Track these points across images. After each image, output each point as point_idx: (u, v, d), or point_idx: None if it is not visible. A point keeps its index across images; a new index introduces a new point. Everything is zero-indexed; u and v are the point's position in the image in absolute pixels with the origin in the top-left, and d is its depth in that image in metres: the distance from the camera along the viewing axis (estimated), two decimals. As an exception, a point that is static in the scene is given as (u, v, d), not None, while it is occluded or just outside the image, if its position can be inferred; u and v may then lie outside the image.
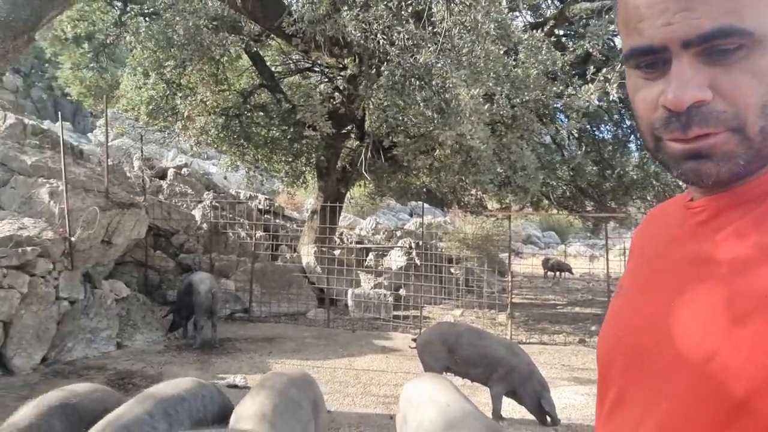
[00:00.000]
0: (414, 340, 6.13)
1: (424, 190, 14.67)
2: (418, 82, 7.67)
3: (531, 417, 5.26)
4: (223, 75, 10.49)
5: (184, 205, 12.70)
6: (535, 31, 7.79)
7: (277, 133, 11.39)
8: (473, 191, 13.59)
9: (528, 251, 27.25)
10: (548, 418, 5.13)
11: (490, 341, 5.56)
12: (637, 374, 0.72)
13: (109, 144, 9.89)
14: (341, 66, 9.45)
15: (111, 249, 8.11)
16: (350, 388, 6.41)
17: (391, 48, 7.16)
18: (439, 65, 7.09)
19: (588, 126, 11.95)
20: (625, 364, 0.74)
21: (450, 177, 9.80)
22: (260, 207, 15.01)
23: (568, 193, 13.87)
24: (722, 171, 0.66)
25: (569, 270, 20.35)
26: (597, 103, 7.89)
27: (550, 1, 12.20)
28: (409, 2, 7.25)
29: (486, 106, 6.90)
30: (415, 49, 7.10)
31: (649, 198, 12.34)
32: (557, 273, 20.69)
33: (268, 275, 11.02)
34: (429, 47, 6.78)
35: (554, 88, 7.88)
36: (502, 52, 7.06)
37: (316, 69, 12.71)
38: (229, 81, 10.94)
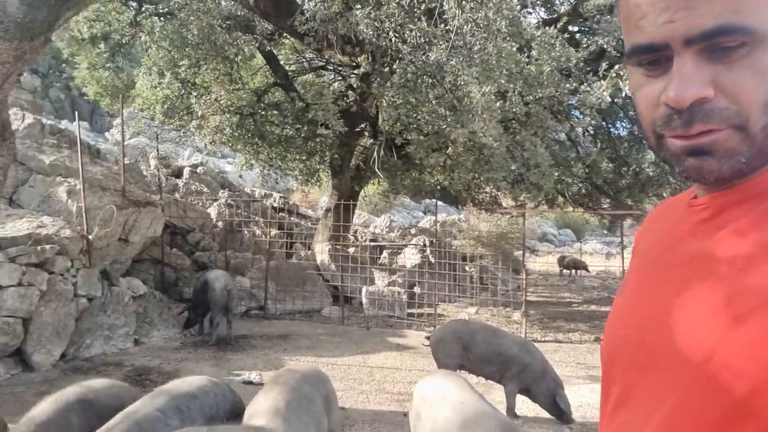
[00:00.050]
0: (428, 337, 6.14)
1: (438, 187, 14.63)
2: (430, 80, 7.66)
3: (545, 415, 5.25)
4: (237, 74, 10.55)
5: (200, 204, 12.80)
6: (548, 27, 7.74)
7: (291, 132, 11.43)
8: (487, 189, 13.54)
9: (543, 249, 27.10)
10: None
11: (504, 339, 5.55)
12: (640, 373, 0.72)
13: (125, 143, 10.00)
14: (354, 64, 9.46)
15: (128, 247, 8.20)
16: (364, 386, 6.43)
17: (403, 46, 7.16)
18: (452, 63, 7.08)
19: (603, 123, 11.86)
20: (628, 362, 0.74)
21: (463, 175, 9.77)
22: (275, 205, 15.09)
23: (583, 191, 13.77)
24: (724, 168, 0.66)
25: (585, 268, 20.21)
26: (609, 99, 7.83)
27: (563, -3, 12.10)
28: (421, 0, 7.24)
29: (498, 104, 6.87)
30: (427, 47, 7.08)
31: (665, 195, 12.20)
32: (573, 271, 20.56)
33: (282, 273, 11.08)
34: (441, 45, 6.76)
35: (568, 85, 7.83)
36: (514, 49, 7.02)
37: (330, 67, 12.74)
38: (243, 80, 11.01)
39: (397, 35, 7.19)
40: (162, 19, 10.01)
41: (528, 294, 10.14)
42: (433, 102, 7.52)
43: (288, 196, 17.91)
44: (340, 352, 7.88)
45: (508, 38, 6.83)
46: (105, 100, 12.34)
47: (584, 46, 8.56)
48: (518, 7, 7.29)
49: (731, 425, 0.59)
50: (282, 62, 12.10)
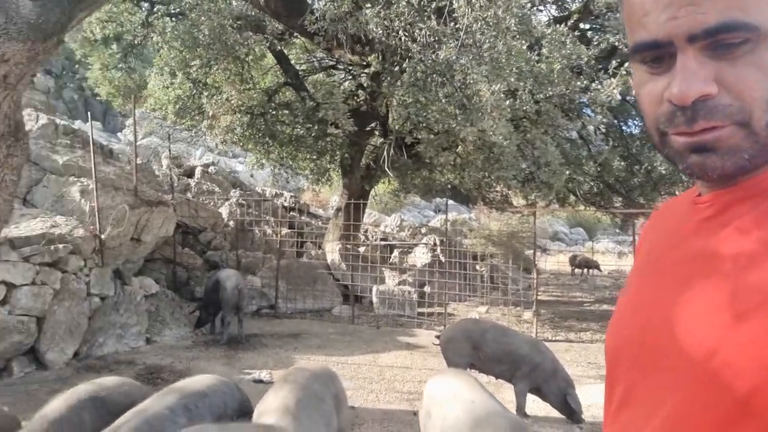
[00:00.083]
0: (438, 336, 6.13)
1: (449, 186, 14.61)
2: (439, 79, 7.65)
3: (555, 414, 5.23)
4: (248, 74, 10.59)
5: (212, 203, 12.87)
6: (558, 25, 7.69)
7: (302, 131, 11.46)
8: (498, 187, 13.49)
9: (555, 248, 26.97)
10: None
11: (515, 338, 5.53)
12: (642, 372, 0.71)
13: (137, 143, 10.07)
14: (365, 63, 9.46)
15: (140, 246, 8.26)
16: (374, 384, 6.44)
17: (412, 45, 7.15)
18: (462, 61, 7.06)
19: (615, 121, 11.78)
20: (630, 362, 0.74)
21: (473, 173, 9.75)
22: (286, 204, 15.14)
23: (595, 189, 13.68)
24: (727, 165, 0.66)
25: (597, 267, 20.10)
26: (619, 97, 7.78)
27: (574, -5, 12.03)
28: (431, -1, 7.24)
29: (508, 102, 6.84)
30: (436, 46, 7.07)
31: (677, 193, 12.05)
32: (585, 270, 20.44)
33: (293, 272, 11.11)
34: (450, 43, 6.75)
35: (578, 83, 7.78)
36: (524, 47, 6.99)
37: (340, 67, 12.76)
38: (254, 80, 11.04)
39: (406, 34, 7.19)
40: (173, 19, 10.06)
41: (539, 293, 10.11)
42: (443, 101, 7.51)
43: (299, 196, 17.96)
44: (350, 351, 7.89)
45: (517, 36, 6.80)
46: (117, 100, 12.43)
47: (595, 43, 8.51)
48: (528, 5, 7.27)
49: (732, 425, 0.59)
50: (293, 62, 12.13)
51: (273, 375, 6.38)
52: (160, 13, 10.06)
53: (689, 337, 0.65)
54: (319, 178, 13.44)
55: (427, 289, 11.88)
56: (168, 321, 8.25)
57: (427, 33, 6.99)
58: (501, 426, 3.02)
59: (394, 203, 20.08)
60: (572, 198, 14.31)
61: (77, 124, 15.39)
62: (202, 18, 8.54)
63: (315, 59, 13.19)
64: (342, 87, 11.86)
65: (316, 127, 10.89)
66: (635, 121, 13.20)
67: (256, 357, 7.33)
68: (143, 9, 10.32)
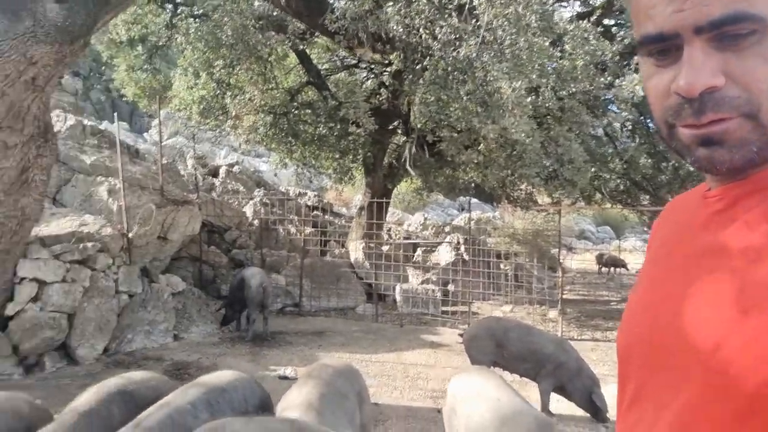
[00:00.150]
0: (461, 335, 6.11)
1: (473, 185, 14.54)
2: (460, 76, 7.61)
3: (580, 413, 5.18)
4: (270, 74, 10.66)
5: (236, 202, 13.00)
6: (582, 21, 7.60)
7: (324, 131, 11.51)
8: (522, 186, 13.38)
9: (581, 246, 26.68)
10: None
11: (539, 337, 5.50)
12: (652, 370, 0.71)
13: (163, 143, 10.22)
14: (386, 62, 9.44)
15: (167, 245, 8.38)
16: (398, 382, 6.44)
17: (433, 42, 7.13)
18: (483, 59, 7.02)
19: (641, 117, 11.58)
20: (641, 359, 0.74)
21: (496, 171, 9.69)
22: (309, 203, 15.23)
23: (621, 187, 13.46)
24: (735, 158, 0.65)
25: (624, 265, 19.81)
26: (641, 93, 7.66)
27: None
28: (452, -5, 7.21)
29: (529, 99, 6.78)
30: (457, 43, 7.04)
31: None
32: (611, 269, 20.17)
33: (317, 270, 11.16)
34: (471, 41, 6.71)
35: (602, 79, 7.68)
36: (547, 43, 6.91)
37: (362, 65, 12.78)
38: (276, 79, 11.12)
39: (427, 32, 7.17)
40: (197, 20, 10.17)
41: (565, 292, 9.99)
42: (464, 98, 7.47)
43: (322, 195, 18.05)
44: (374, 349, 7.90)
45: (538, 33, 6.74)
46: (143, 101, 12.60)
47: (619, 39, 8.38)
48: (550, 1, 7.19)
49: (741, 422, 0.58)
50: (315, 61, 12.18)
51: (298, 372, 6.42)
52: (183, 15, 10.18)
53: (697, 334, 0.64)
54: (342, 177, 13.48)
55: (450, 287, 11.83)
56: (195, 318, 8.35)
57: (448, 30, 6.97)
58: (527, 424, 3.00)
59: (417, 202, 20.06)
60: (598, 196, 14.11)
61: (104, 124, 15.67)
62: (225, 19, 8.62)
63: (337, 58, 13.24)
64: (364, 86, 11.87)
65: (338, 126, 10.92)
66: (662, 117, 12.92)
67: (281, 354, 7.38)
68: (167, 10, 10.45)
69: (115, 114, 9.11)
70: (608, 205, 15.62)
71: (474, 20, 6.91)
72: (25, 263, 6.13)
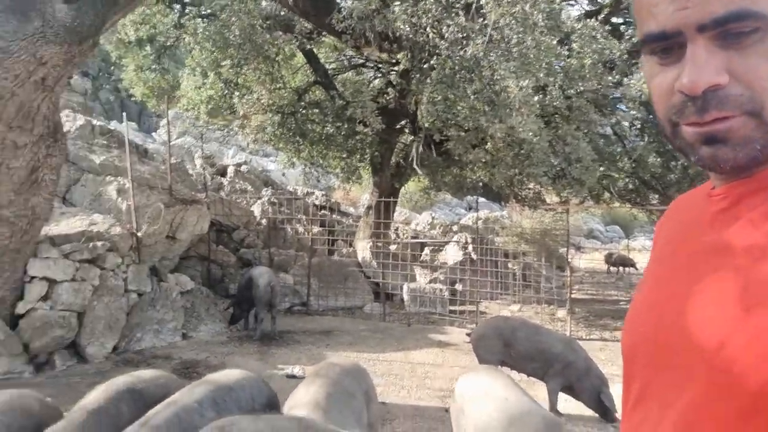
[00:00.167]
0: (469, 334, 6.10)
1: (481, 184, 14.49)
2: (467, 75, 7.60)
3: (588, 413, 5.16)
4: (278, 73, 10.68)
5: (244, 202, 13.04)
6: (590, 19, 7.57)
7: (332, 130, 11.52)
8: (530, 185, 13.34)
9: (590, 246, 26.55)
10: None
11: (547, 336, 5.48)
12: (657, 369, 0.71)
13: (171, 143, 10.27)
14: (394, 61, 9.44)
15: (175, 244, 8.43)
16: (406, 381, 6.45)
17: (440, 41, 7.12)
18: (490, 57, 7.00)
19: (650, 116, 11.52)
20: (646, 358, 0.74)
21: (503, 170, 9.67)
22: (317, 203, 15.26)
23: (630, 186, 13.40)
24: (739, 156, 0.65)
25: (633, 265, 19.71)
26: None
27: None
28: (459, -6, 7.19)
29: (536, 98, 6.76)
30: (464, 42, 7.03)
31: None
32: (620, 268, 20.07)
33: (325, 269, 11.18)
34: (478, 39, 6.70)
35: (610, 78, 7.64)
36: (555, 42, 6.89)
37: (369, 65, 12.78)
38: (284, 79, 11.13)
39: (434, 31, 7.16)
40: (205, 20, 10.20)
41: (573, 291, 9.96)
42: (472, 97, 7.45)
43: (330, 194, 18.07)
44: (381, 348, 7.91)
45: (545, 32, 6.71)
46: (151, 101, 12.64)
47: (627, 37, 8.33)
48: (558, 0, 7.16)
49: (743, 422, 0.58)
50: (322, 60, 12.19)
51: (305, 370, 6.44)
52: (191, 15, 10.20)
53: (701, 332, 0.64)
54: (350, 176, 13.49)
55: (458, 286, 11.82)
56: (203, 317, 8.39)
57: (455, 29, 6.95)
58: (535, 424, 2.99)
59: (425, 201, 20.05)
60: (607, 195, 14.05)
61: (113, 124, 15.74)
62: (233, 18, 8.64)
63: (344, 57, 13.25)
64: (371, 85, 11.88)
65: (345, 126, 10.93)
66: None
67: (289, 353, 7.40)
68: (175, 11, 10.48)
69: (124, 114, 9.16)
70: (617, 204, 15.56)
71: (481, 19, 6.90)
72: (35, 262, 6.18)
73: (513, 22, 6.46)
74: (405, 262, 11.64)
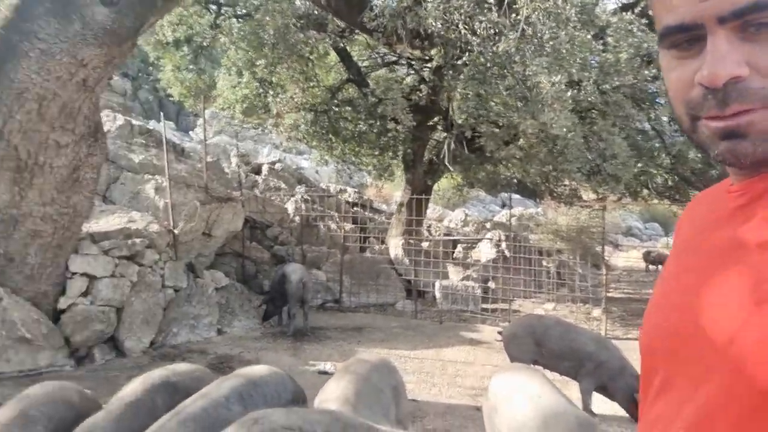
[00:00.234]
0: (500, 332, 6.06)
1: (515, 181, 14.35)
2: (500, 71, 7.54)
3: (622, 413, 5.07)
4: (312, 72, 10.77)
5: (278, 199, 13.19)
6: (625, 12, 7.41)
7: (364, 127, 11.57)
8: (566, 181, 13.16)
9: (629, 243, 26.05)
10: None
11: (580, 335, 5.41)
12: (676, 363, 0.71)
13: (208, 142, 10.46)
14: (427, 57, 9.41)
15: (211, 241, 8.59)
16: (437, 379, 6.45)
17: (473, 37, 7.08)
18: (524, 53, 6.92)
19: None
20: (665, 352, 0.73)
21: (536, 167, 9.56)
22: (349, 200, 15.33)
23: (669, 182, 13.11)
24: (759, 150, 0.64)
25: (671, 263, 19.24)
26: None
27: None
28: (492, -10, 7.13)
29: (569, 93, 6.66)
30: (496, 38, 6.97)
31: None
32: (659, 266, 19.63)
33: (357, 266, 11.24)
34: (510, 35, 6.63)
35: (647, 72, 7.48)
36: (589, 36, 6.77)
37: (402, 62, 12.78)
38: (317, 77, 11.22)
39: (466, 27, 7.12)
40: (240, 20, 10.35)
41: (610, 290, 9.80)
42: (504, 93, 7.39)
43: (362, 191, 18.13)
44: (413, 345, 7.92)
45: (578, 26, 6.60)
46: (188, 100, 12.86)
47: (664, 30, 8.11)
48: (593, -6, 7.05)
49: (755, 421, 0.57)
50: (355, 58, 12.24)
51: (337, 367, 6.49)
52: (227, 15, 10.36)
53: (714, 327, 0.64)
54: (382, 173, 13.53)
55: (491, 284, 11.74)
56: (237, 313, 8.53)
57: (487, 25, 6.90)
58: (568, 423, 2.96)
59: (458, 198, 19.94)
60: (645, 192, 13.77)
61: (152, 124, 16.09)
62: (267, 18, 8.75)
63: (377, 55, 13.27)
64: (404, 82, 11.87)
65: (378, 123, 10.97)
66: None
67: (321, 349, 7.47)
68: (211, 11, 10.65)
69: (162, 113, 9.37)
70: (655, 201, 15.22)
71: (513, 14, 6.83)
72: (76, 259, 6.38)
73: (545, 17, 6.37)
74: (437, 259, 11.61)
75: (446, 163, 9.97)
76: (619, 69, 7.30)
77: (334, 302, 10.63)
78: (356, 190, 17.24)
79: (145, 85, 25.85)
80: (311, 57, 10.65)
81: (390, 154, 12.97)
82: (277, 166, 15.71)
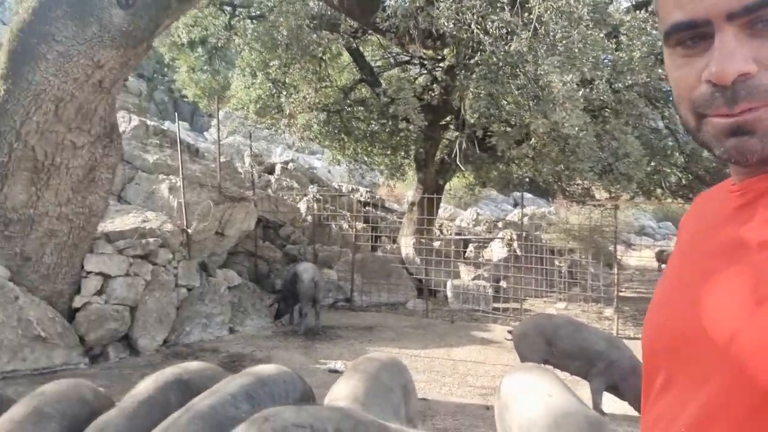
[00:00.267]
0: (510, 332, 6.06)
1: (527, 180, 14.30)
2: (511, 70, 7.53)
3: (633, 412, 5.06)
4: (325, 72, 10.82)
5: (290, 199, 13.25)
6: (639, 11, 7.37)
7: (377, 127, 11.60)
8: (578, 180, 13.09)
9: (642, 243, 25.84)
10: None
11: (590, 334, 5.39)
12: (677, 362, 0.71)
13: (221, 142, 10.54)
14: (439, 57, 9.41)
15: (224, 240, 8.66)
16: (447, 378, 6.46)
17: (485, 37, 7.08)
18: (536, 52, 6.91)
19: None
20: (667, 351, 0.74)
21: (547, 166, 9.53)
22: (361, 199, 15.36)
23: (683, 181, 13.01)
24: (767, 147, 0.64)
25: (685, 262, 19.07)
26: None
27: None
28: (505, -11, 7.13)
29: (581, 92, 6.63)
30: (508, 37, 6.96)
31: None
32: (672, 266, 19.46)
33: (368, 266, 11.27)
34: (522, 35, 6.62)
35: (660, 70, 7.43)
36: (602, 35, 6.73)
37: (415, 61, 12.79)
38: (330, 78, 11.27)
39: (478, 27, 7.12)
40: (254, 21, 10.42)
41: (622, 290, 9.75)
42: (516, 93, 7.39)
43: (374, 191, 18.15)
44: (424, 344, 7.94)
45: (591, 25, 6.57)
46: (203, 101, 12.97)
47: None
48: (605, -7, 7.02)
49: (755, 421, 0.57)
50: (368, 58, 12.27)
51: (348, 365, 6.52)
52: (241, 16, 10.43)
53: (714, 326, 0.64)
54: (394, 173, 13.55)
55: (503, 284, 11.72)
56: (250, 311, 8.59)
57: (499, 24, 6.89)
58: (578, 423, 2.97)
59: (470, 197, 19.90)
60: (658, 191, 13.67)
61: (167, 124, 16.22)
62: (281, 19, 8.80)
63: (390, 55, 13.29)
64: (416, 81, 11.89)
65: (390, 123, 10.99)
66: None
67: (332, 348, 7.51)
68: (226, 13, 10.73)
69: (176, 114, 9.46)
70: (669, 200, 15.09)
71: (526, 14, 6.82)
72: (91, 258, 6.47)
73: (558, 16, 6.36)
74: (449, 258, 11.61)
75: (458, 163, 9.97)
76: (632, 67, 7.26)
77: (345, 301, 10.67)
78: (368, 189, 17.27)
79: (160, 86, 26.05)
80: (324, 57, 10.70)
81: (402, 153, 12.99)
82: (290, 165, 15.79)
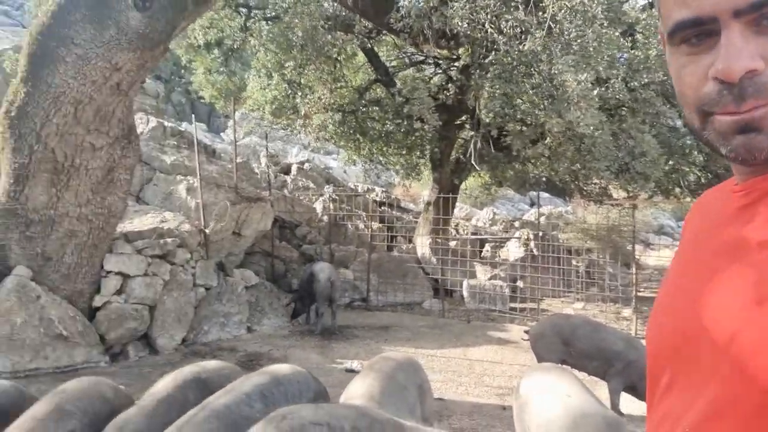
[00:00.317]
0: (527, 332, 6.03)
1: (544, 179, 14.22)
2: (526, 69, 7.50)
3: (652, 414, 5.00)
4: (340, 72, 10.85)
5: (306, 199, 13.31)
6: (653, 9, 7.30)
7: (391, 127, 11.60)
8: (596, 179, 12.98)
9: (661, 242, 25.52)
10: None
11: (608, 334, 5.35)
12: (682, 360, 0.71)
13: (238, 143, 10.61)
14: (454, 57, 9.39)
15: (241, 240, 8.73)
16: (464, 378, 6.45)
17: (499, 36, 7.05)
18: (550, 51, 6.87)
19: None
20: (671, 352, 0.73)
21: (563, 165, 9.47)
22: (377, 199, 15.37)
23: (702, 180, 12.84)
24: None
25: (705, 262, 18.81)
26: None
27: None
28: (519, -12, 7.10)
29: (596, 91, 6.58)
30: (522, 37, 6.93)
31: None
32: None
33: (384, 265, 11.28)
34: (536, 34, 6.59)
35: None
36: (617, 34, 6.67)
37: (430, 61, 12.78)
38: (345, 78, 11.30)
39: (492, 26, 7.10)
40: (269, 23, 10.48)
41: (641, 290, 9.65)
42: (531, 92, 7.36)
43: (390, 190, 18.15)
44: (440, 344, 7.93)
45: (606, 24, 6.51)
46: (219, 102, 13.08)
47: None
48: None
49: (765, 414, 0.57)
50: (383, 59, 12.28)
51: (364, 365, 6.54)
52: (257, 18, 10.50)
53: (715, 326, 0.64)
54: (410, 172, 13.53)
55: (519, 283, 11.67)
56: (267, 311, 8.65)
57: (514, 24, 6.87)
58: (596, 423, 2.96)
59: (486, 197, 19.83)
60: (677, 190, 13.51)
61: (184, 125, 16.36)
62: (296, 20, 8.85)
63: (404, 55, 13.29)
64: (431, 81, 11.88)
65: (405, 123, 10.99)
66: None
67: (348, 347, 7.54)
68: (242, 14, 10.81)
69: (193, 115, 9.55)
70: (688, 200, 14.91)
71: (540, 13, 6.79)
72: (110, 258, 6.56)
73: (572, 15, 6.32)
74: (465, 258, 11.59)
75: (473, 162, 9.94)
76: (648, 66, 7.19)
77: (361, 301, 10.70)
78: (384, 189, 17.28)
79: (177, 87, 26.27)
80: (339, 58, 10.73)
81: (417, 153, 12.98)
82: (306, 166, 15.86)
